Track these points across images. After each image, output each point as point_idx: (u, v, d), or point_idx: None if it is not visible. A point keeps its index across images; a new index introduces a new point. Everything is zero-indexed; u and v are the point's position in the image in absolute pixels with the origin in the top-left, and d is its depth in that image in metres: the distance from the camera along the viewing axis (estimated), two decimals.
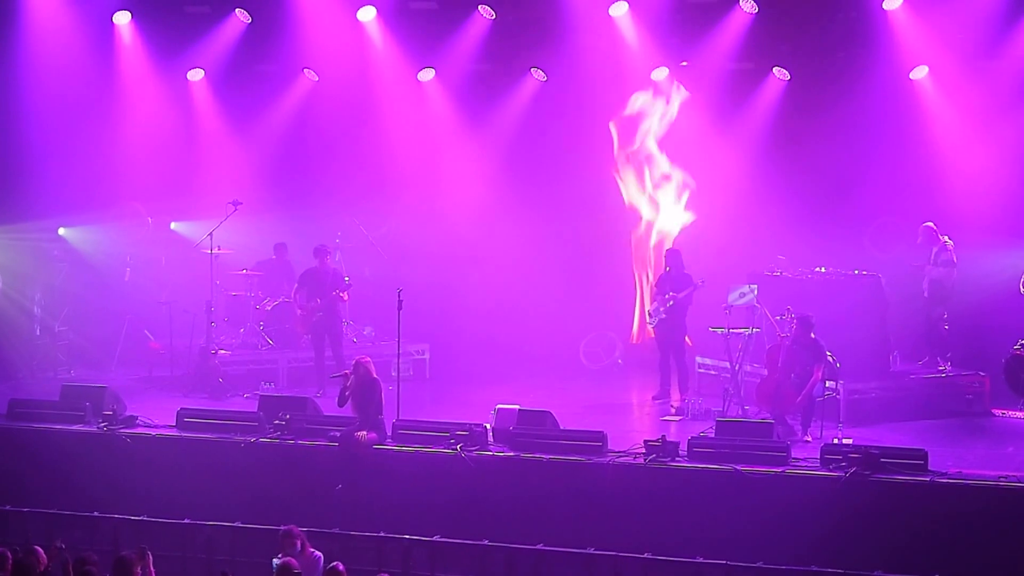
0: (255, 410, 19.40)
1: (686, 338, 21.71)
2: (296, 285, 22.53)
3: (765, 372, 19.90)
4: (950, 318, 21.58)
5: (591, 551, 16.95)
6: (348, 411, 18.49)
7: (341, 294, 22.06)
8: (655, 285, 22.05)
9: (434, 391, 22.71)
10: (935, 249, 21.45)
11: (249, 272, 23.65)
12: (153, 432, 19.18)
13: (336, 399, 18.61)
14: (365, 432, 18.07)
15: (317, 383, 21.90)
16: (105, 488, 18.59)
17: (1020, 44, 21.78)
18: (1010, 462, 17.51)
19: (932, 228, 21.59)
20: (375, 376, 18.39)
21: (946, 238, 21.48)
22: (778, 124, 23.44)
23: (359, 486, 17.96)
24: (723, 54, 23.33)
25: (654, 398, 21.75)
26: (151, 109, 24.49)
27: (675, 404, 21.20)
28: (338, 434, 18.26)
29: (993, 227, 21.68)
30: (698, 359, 22.36)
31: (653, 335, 22.04)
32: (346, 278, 22.38)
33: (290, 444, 18.55)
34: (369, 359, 18.54)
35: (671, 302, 21.19)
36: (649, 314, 21.85)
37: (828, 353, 19.21)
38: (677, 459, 17.48)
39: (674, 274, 21.44)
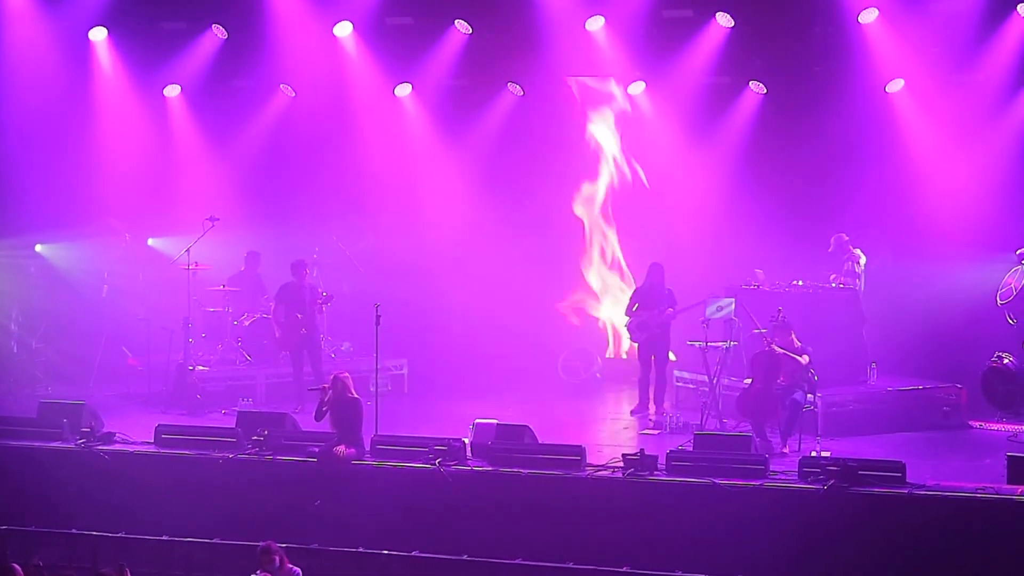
0: (233, 426, 19.31)
1: (670, 353, 21.69)
2: (274, 302, 22.49)
3: (749, 381, 19.75)
4: (927, 330, 21.65)
5: (570, 565, 16.98)
6: (326, 427, 18.45)
7: (324, 305, 22.08)
8: (634, 298, 21.80)
9: (412, 406, 22.68)
10: (845, 258, 21.63)
11: (226, 288, 23.60)
12: (131, 449, 19.10)
13: (313, 414, 18.57)
14: (344, 448, 18.04)
15: (296, 399, 21.83)
16: (83, 505, 18.52)
17: (995, 57, 21.86)
18: (987, 474, 17.50)
19: (844, 239, 21.79)
20: (354, 393, 18.35)
21: (858, 251, 21.64)
22: (755, 138, 23.49)
23: (338, 502, 17.91)
24: (699, 68, 23.36)
25: (633, 412, 21.74)
26: (128, 125, 24.46)
27: (653, 417, 21.21)
28: (317, 450, 18.20)
29: (969, 239, 21.72)
30: (676, 372, 22.37)
31: (636, 349, 21.94)
32: (323, 293, 22.38)
33: (268, 460, 18.46)
34: (347, 375, 18.50)
35: (675, 316, 21.11)
36: (631, 329, 21.69)
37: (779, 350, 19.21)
38: (655, 473, 17.44)
39: (657, 288, 21.37)
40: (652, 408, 21.44)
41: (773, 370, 19.16)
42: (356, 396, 18.36)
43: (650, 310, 21.33)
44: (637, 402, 21.75)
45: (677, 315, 21.25)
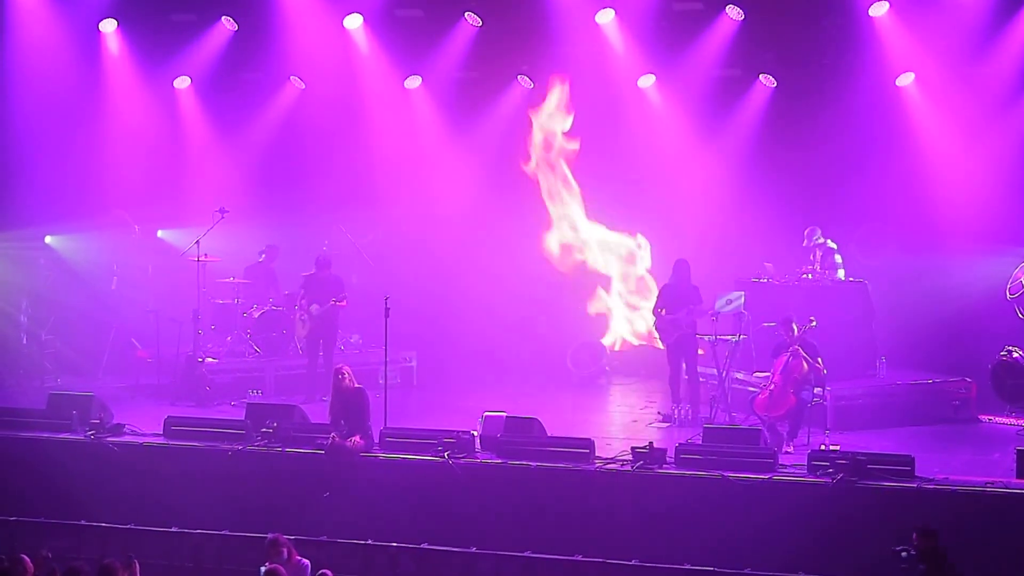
0: (242, 418, 19.33)
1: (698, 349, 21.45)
2: (302, 292, 22.51)
3: (773, 381, 19.27)
4: (937, 324, 21.63)
5: (579, 558, 17.01)
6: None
7: (339, 303, 22.10)
8: (662, 297, 21.26)
9: (421, 398, 22.69)
10: (819, 253, 21.60)
11: (236, 280, 23.63)
12: (140, 440, 19.13)
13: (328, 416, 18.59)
14: (352, 439, 18.05)
15: (307, 390, 21.88)
16: (92, 496, 18.56)
17: (1005, 51, 21.80)
18: (996, 468, 17.53)
19: (817, 231, 21.78)
20: (357, 384, 18.38)
21: (829, 241, 21.61)
22: (765, 131, 23.46)
23: (346, 494, 17.94)
24: (709, 61, 23.35)
25: (666, 417, 21.15)
26: (138, 117, 24.48)
27: (662, 411, 21.17)
28: (326, 442, 18.23)
29: (979, 233, 21.66)
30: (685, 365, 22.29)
31: (664, 347, 21.44)
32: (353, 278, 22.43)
33: (277, 452, 18.50)
34: (347, 368, 18.54)
35: (715, 317, 20.83)
36: (660, 329, 21.41)
37: (803, 355, 19.13)
38: (664, 466, 17.46)
39: (683, 285, 21.13)
40: (686, 408, 21.01)
41: (793, 372, 19.02)
42: (358, 386, 18.39)
43: (679, 309, 20.90)
44: (671, 402, 21.23)
45: (707, 313, 20.98)
